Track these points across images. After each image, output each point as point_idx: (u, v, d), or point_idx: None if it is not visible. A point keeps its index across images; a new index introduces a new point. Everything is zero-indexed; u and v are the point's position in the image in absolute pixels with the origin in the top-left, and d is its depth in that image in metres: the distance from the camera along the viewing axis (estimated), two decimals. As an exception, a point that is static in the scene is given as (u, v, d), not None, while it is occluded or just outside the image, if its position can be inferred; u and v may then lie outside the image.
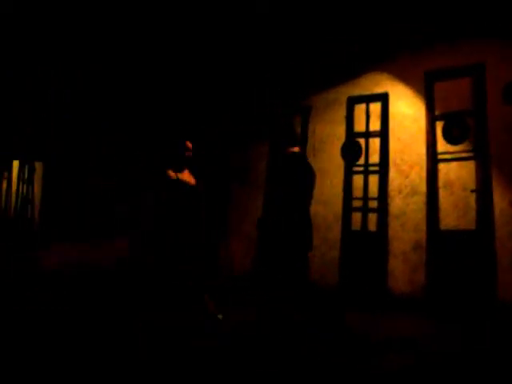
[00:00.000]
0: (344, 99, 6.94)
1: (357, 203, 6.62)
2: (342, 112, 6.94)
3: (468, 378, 3.38)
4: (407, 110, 6.40)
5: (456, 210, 5.84)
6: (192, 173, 5.07)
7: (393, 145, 6.43)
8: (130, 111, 8.05)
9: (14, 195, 7.63)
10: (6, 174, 7.64)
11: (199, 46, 7.23)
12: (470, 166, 5.81)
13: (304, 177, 4.72)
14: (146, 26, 6.69)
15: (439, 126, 6.09)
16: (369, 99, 6.72)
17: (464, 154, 5.87)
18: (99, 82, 7.66)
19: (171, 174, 4.80)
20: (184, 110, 8.16)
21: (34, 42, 6.61)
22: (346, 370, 3.48)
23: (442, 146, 6.04)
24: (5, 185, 7.64)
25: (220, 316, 4.68)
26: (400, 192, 6.28)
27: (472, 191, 5.73)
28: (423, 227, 6.04)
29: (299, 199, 4.64)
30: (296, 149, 4.79)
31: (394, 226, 6.25)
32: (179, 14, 6.37)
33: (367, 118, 6.70)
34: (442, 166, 6.02)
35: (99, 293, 6.21)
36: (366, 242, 6.42)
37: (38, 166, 7.74)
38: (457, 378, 3.36)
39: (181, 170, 4.90)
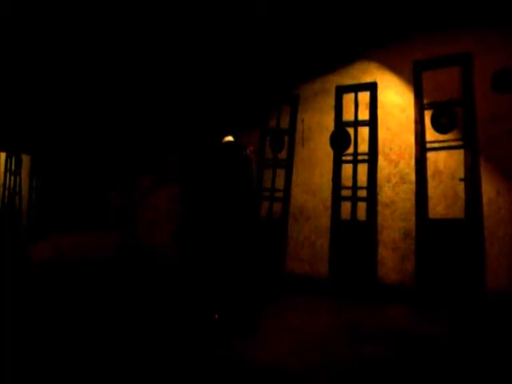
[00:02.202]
0: (332, 88, 6.93)
1: (346, 192, 6.62)
2: (330, 101, 6.92)
3: (452, 368, 3.43)
4: (396, 99, 6.39)
5: (445, 199, 5.85)
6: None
7: (382, 134, 6.43)
8: (123, 104, 7.98)
9: (0, 187, 7.56)
10: (-8, 167, 7.56)
11: (186, 37, 7.15)
12: (459, 154, 5.82)
13: (234, 165, 4.77)
14: (144, 26, 6.61)
15: (428, 115, 6.09)
16: (357, 88, 6.70)
17: (452, 143, 5.87)
18: (90, 76, 7.57)
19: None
20: (173, 98, 8.11)
21: (25, 35, 6.50)
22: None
23: (430, 135, 6.04)
24: (-9, 177, 7.56)
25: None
26: (389, 181, 6.28)
27: (460, 180, 5.73)
28: (412, 216, 6.05)
29: (227, 188, 4.71)
30: (229, 138, 4.82)
31: (383, 215, 6.26)
32: (176, 13, 6.31)
33: (356, 107, 6.68)
34: (430, 155, 6.02)
35: (90, 287, 6.14)
36: (356, 231, 6.42)
37: (25, 158, 7.68)
38: (442, 368, 3.41)
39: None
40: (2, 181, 7.54)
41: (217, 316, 4.61)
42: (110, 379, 3.18)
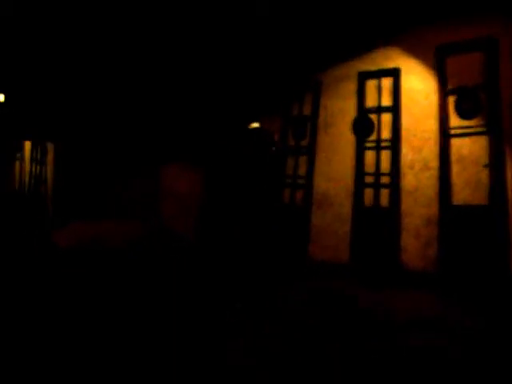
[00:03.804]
0: (355, 74, 6.90)
1: (368, 179, 6.63)
2: (352, 87, 6.91)
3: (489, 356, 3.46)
4: (419, 84, 6.36)
5: (468, 186, 5.83)
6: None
7: (405, 120, 6.41)
8: (146, 90, 8.06)
9: (27, 175, 7.69)
10: (18, 155, 7.71)
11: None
12: (483, 140, 5.78)
13: (259, 152, 4.82)
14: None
15: (451, 100, 6.05)
16: (380, 74, 6.68)
17: (477, 129, 5.83)
18: (113, 66, 7.65)
19: None
20: (197, 84, 8.16)
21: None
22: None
23: (454, 120, 6.00)
24: (18, 165, 7.71)
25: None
26: (412, 167, 6.27)
27: (485, 166, 5.71)
28: (435, 202, 6.04)
29: (250, 174, 4.77)
30: (255, 124, 4.85)
31: (406, 202, 6.26)
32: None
33: (379, 93, 6.66)
34: (454, 141, 5.99)
35: (112, 274, 6.20)
36: (378, 217, 6.43)
37: (50, 147, 7.79)
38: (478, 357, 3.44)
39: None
40: (28, 169, 7.67)
41: (238, 305, 4.66)
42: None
